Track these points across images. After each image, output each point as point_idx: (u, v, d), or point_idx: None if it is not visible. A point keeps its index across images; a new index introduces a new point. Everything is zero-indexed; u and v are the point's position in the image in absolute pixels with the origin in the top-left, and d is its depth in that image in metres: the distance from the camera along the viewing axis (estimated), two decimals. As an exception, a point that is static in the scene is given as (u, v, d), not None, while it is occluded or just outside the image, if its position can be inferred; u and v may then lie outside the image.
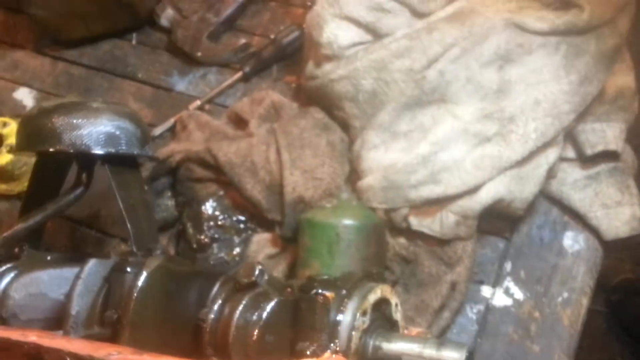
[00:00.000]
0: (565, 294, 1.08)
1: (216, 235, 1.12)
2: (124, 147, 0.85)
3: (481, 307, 1.09)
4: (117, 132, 0.85)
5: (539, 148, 0.99)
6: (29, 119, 0.84)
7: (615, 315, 2.16)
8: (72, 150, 0.81)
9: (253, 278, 0.66)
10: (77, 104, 0.84)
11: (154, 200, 1.19)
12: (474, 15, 1.02)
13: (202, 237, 1.12)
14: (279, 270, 1.09)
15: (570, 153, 1.09)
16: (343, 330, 0.62)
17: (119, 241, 1.27)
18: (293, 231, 1.07)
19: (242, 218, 1.14)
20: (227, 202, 1.14)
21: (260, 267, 0.67)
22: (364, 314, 0.64)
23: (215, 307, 0.65)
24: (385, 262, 1.07)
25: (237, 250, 1.12)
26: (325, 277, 0.64)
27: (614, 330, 2.18)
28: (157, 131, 1.31)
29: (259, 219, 1.13)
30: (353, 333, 0.62)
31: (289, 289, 0.65)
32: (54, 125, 0.81)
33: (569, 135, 1.07)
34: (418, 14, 1.07)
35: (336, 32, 1.07)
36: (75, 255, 0.97)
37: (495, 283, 1.10)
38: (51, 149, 0.80)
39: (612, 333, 2.17)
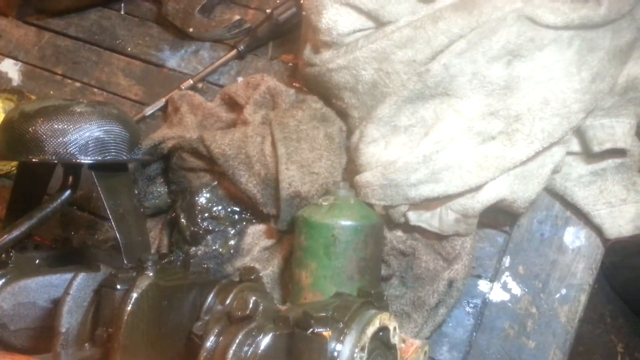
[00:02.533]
0: (564, 291, 1.07)
1: (210, 227, 1.10)
2: (112, 153, 0.81)
3: (478, 301, 1.08)
4: (105, 138, 0.80)
5: (545, 148, 0.95)
6: (9, 124, 0.79)
7: (607, 277, 2.18)
8: (56, 160, 0.77)
9: (247, 312, 0.63)
10: (60, 108, 0.79)
11: (146, 187, 1.16)
12: (483, 3, 0.96)
13: (196, 228, 1.09)
14: (274, 264, 1.07)
15: (576, 147, 1.05)
16: (340, 368, 0.60)
17: (110, 224, 1.24)
18: (289, 225, 1.04)
19: (236, 209, 1.11)
20: (221, 193, 1.10)
21: (254, 298, 0.65)
22: (362, 349, 0.62)
23: (208, 343, 0.63)
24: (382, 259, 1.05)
25: (232, 242, 1.09)
26: (322, 314, 0.62)
27: (605, 291, 2.21)
28: (148, 111, 1.26)
29: (253, 210, 1.10)
30: (350, 373, 0.60)
31: (283, 322, 0.63)
32: (36, 133, 0.77)
33: (576, 129, 1.03)
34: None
35: (336, 19, 1.00)
36: (64, 253, 0.95)
37: (493, 278, 1.08)
38: (34, 160, 0.76)
39: (603, 293, 2.20)
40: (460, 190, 0.98)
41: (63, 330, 0.74)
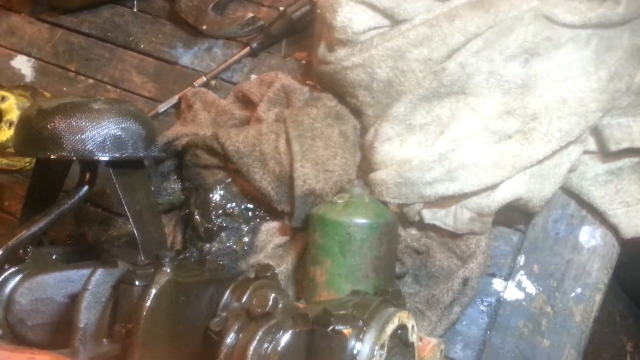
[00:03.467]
0: (579, 290, 1.06)
1: (224, 224, 1.10)
2: (129, 150, 0.81)
3: (492, 300, 1.08)
4: (122, 135, 0.80)
5: (561, 147, 0.95)
6: (26, 121, 0.79)
7: (616, 276, 2.16)
8: (74, 157, 0.77)
9: (267, 309, 0.63)
10: (78, 105, 0.79)
11: (160, 184, 1.16)
12: (499, 1, 0.95)
13: (210, 225, 1.09)
14: (288, 261, 1.07)
15: (592, 146, 1.04)
16: (360, 365, 0.60)
17: (124, 220, 1.25)
18: (303, 223, 1.04)
19: (250, 206, 1.11)
20: (235, 190, 1.10)
21: (274, 295, 0.65)
22: (382, 347, 0.62)
23: (228, 340, 0.63)
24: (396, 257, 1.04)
25: (246, 239, 1.09)
26: (342, 311, 0.62)
27: (614, 290, 2.19)
28: (162, 108, 1.26)
29: (267, 207, 1.10)
30: (370, 370, 0.60)
31: (302, 319, 0.63)
32: (54, 129, 0.77)
33: (593, 128, 1.02)
34: (439, -4, 1.00)
35: (351, 16, 1.00)
36: (80, 249, 0.95)
37: (508, 276, 1.08)
38: (52, 156, 0.76)
39: (612, 292, 2.18)
40: (476, 189, 0.97)
41: (81, 325, 0.74)
